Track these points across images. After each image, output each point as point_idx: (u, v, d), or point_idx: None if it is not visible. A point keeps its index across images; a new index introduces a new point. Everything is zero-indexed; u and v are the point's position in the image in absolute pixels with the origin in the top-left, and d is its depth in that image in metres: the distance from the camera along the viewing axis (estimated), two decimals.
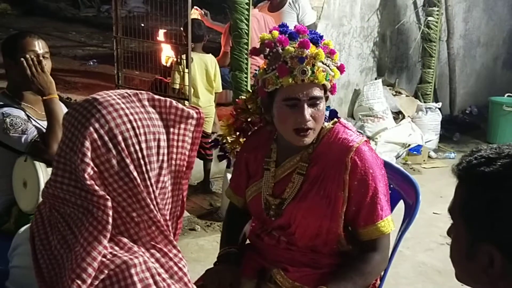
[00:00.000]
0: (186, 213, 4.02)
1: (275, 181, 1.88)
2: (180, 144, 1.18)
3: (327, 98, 1.80)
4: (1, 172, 2.42)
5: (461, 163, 1.00)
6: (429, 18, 5.88)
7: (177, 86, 4.30)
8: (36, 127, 2.36)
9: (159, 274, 1.10)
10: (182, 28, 4.26)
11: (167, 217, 1.17)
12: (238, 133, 2.04)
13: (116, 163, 1.08)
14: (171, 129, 1.16)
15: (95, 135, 1.08)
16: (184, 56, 4.17)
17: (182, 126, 1.18)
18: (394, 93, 6.00)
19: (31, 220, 1.19)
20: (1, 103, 2.41)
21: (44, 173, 2.22)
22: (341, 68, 1.79)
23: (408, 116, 5.71)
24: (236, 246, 1.96)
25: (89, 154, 1.06)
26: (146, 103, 1.15)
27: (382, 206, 1.78)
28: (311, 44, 1.71)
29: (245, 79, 3.98)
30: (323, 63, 1.71)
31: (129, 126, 1.10)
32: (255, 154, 1.94)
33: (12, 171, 2.35)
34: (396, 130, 5.43)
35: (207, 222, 4.03)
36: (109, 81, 5.36)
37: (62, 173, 1.10)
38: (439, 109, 5.91)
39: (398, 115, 5.77)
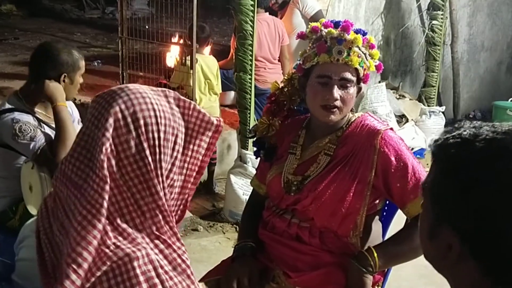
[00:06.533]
0: (188, 214, 4.03)
1: (299, 162, 1.90)
2: (195, 148, 1.20)
3: (359, 89, 1.86)
4: (11, 174, 2.44)
5: (439, 139, 0.95)
6: (434, 22, 5.86)
7: (175, 86, 4.32)
8: (45, 134, 2.37)
9: (161, 267, 1.11)
10: (188, 31, 4.29)
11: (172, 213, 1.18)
12: (271, 117, 2.02)
13: (133, 145, 1.11)
14: (190, 131, 1.20)
15: (119, 115, 1.11)
16: (189, 58, 4.20)
17: (201, 130, 1.21)
18: (398, 97, 5.99)
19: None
20: (12, 107, 2.41)
21: (48, 184, 2.22)
22: (378, 67, 1.88)
23: (412, 120, 5.71)
24: (253, 239, 1.96)
25: (110, 130, 1.10)
26: (171, 100, 1.19)
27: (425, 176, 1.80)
28: (351, 31, 1.81)
29: (249, 81, 3.98)
30: (359, 49, 1.81)
31: (152, 113, 1.13)
32: (282, 140, 1.98)
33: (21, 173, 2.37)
34: (399, 133, 5.41)
35: (210, 223, 4.04)
36: (114, 82, 5.37)
37: (80, 150, 1.13)
38: (443, 113, 5.91)
39: (401, 119, 5.76)
